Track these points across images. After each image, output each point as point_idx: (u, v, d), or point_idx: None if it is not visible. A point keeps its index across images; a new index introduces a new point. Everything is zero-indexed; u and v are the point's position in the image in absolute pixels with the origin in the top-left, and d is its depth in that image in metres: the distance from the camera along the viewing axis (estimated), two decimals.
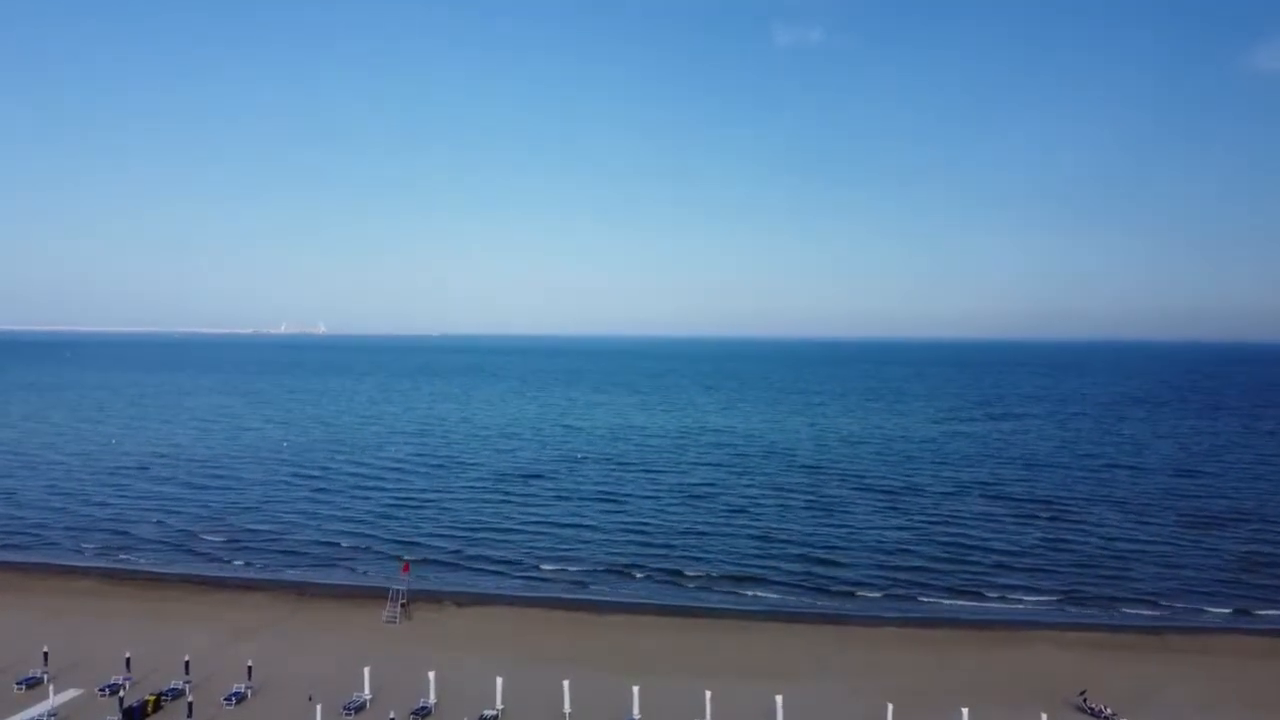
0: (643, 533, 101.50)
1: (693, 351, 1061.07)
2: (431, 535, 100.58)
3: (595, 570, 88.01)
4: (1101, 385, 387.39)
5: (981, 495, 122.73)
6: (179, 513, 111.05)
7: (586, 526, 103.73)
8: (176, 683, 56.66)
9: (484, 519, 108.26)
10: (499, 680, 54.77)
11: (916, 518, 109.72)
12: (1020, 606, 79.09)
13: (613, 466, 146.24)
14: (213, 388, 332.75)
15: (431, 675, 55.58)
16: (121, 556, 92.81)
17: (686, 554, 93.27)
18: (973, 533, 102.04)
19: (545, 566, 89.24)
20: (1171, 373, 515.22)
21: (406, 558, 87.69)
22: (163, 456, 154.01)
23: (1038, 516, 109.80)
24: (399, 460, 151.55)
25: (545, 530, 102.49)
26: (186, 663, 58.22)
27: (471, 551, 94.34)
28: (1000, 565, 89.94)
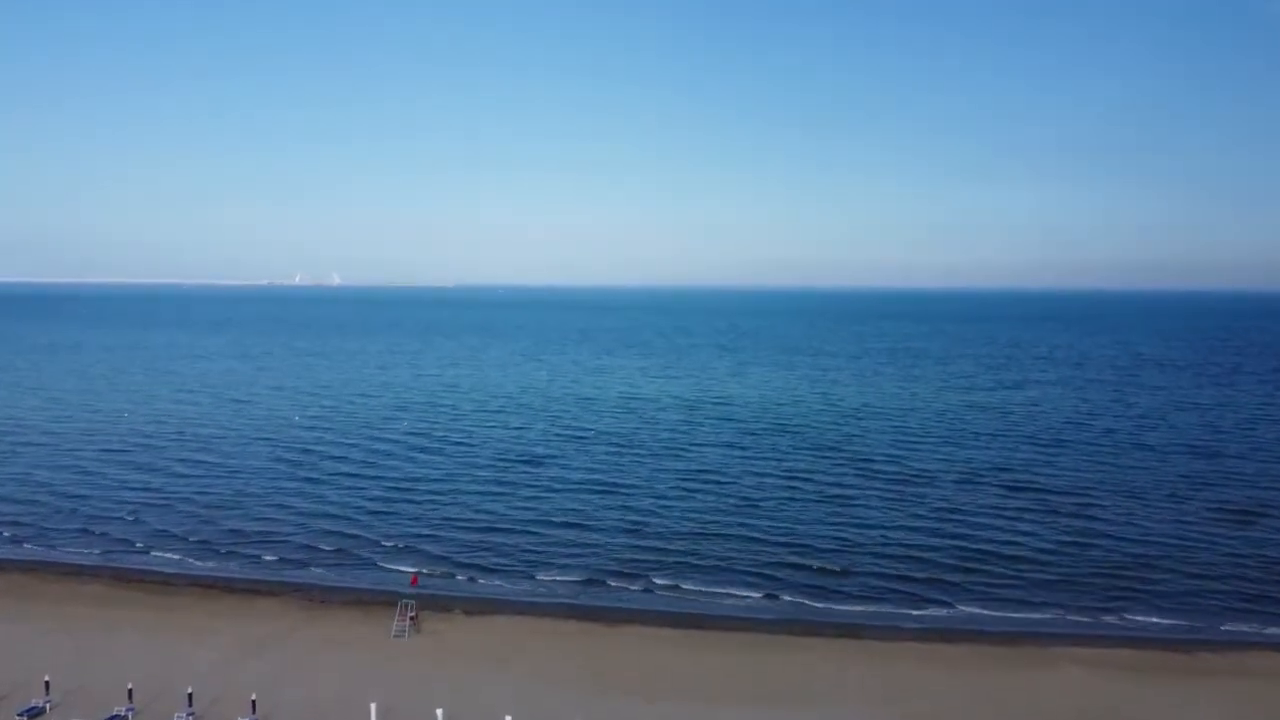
0: (648, 532, 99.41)
1: (710, 305, 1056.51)
2: (439, 532, 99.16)
3: (603, 574, 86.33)
4: (1119, 345, 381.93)
5: (996, 484, 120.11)
6: (182, 504, 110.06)
7: (590, 526, 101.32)
8: (180, 715, 55.51)
9: (491, 513, 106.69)
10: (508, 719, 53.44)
11: (934, 510, 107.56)
12: (1042, 617, 77.21)
13: (620, 448, 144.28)
14: (221, 351, 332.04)
15: (440, 713, 54.26)
16: (127, 556, 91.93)
17: (695, 556, 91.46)
18: (988, 531, 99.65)
19: (552, 570, 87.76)
20: (1191, 328, 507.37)
21: (414, 570, 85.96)
22: (165, 436, 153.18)
23: (1056, 511, 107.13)
24: (404, 441, 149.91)
25: (551, 529, 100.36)
26: (190, 695, 57.00)
27: (480, 551, 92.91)
28: (1018, 569, 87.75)
